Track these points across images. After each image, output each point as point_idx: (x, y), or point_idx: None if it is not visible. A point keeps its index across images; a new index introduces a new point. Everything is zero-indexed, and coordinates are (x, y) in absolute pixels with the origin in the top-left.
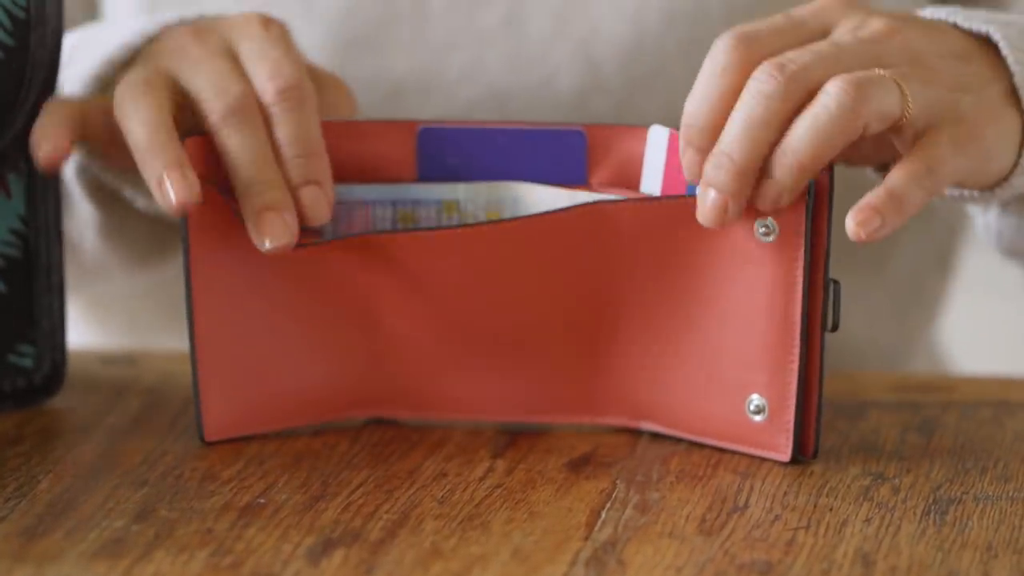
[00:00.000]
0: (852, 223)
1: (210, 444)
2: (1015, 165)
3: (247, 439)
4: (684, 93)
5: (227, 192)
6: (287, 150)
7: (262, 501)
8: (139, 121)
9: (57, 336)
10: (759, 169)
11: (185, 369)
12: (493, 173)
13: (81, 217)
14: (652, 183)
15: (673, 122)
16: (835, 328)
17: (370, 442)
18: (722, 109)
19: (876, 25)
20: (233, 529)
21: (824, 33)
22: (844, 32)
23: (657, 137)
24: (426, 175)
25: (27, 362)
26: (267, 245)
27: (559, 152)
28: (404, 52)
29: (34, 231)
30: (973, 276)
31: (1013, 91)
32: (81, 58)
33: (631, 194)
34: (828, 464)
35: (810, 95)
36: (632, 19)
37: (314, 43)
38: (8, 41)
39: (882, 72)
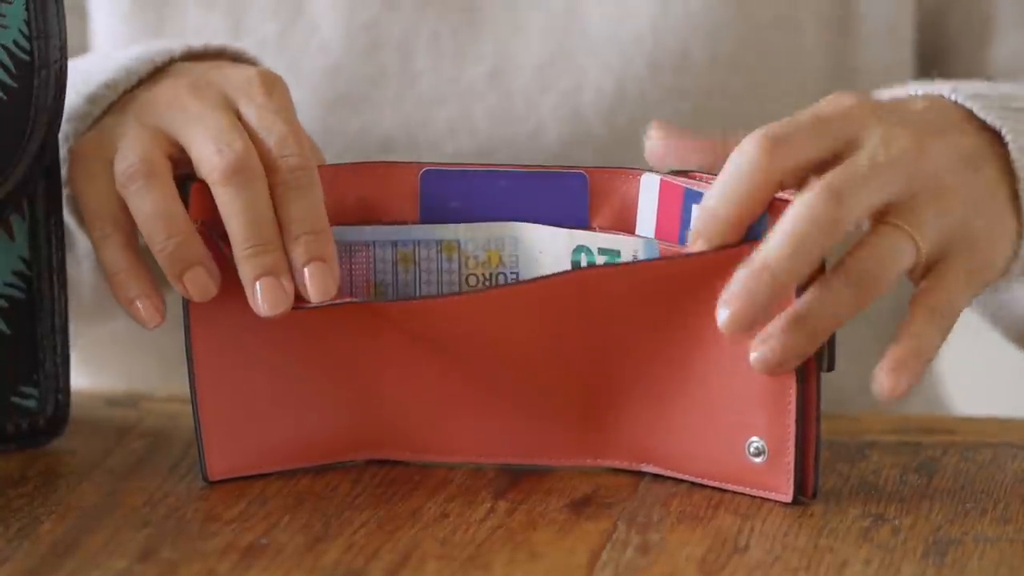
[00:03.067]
0: (886, 388)
1: (212, 484)
2: (1011, 261)
3: (249, 480)
4: None
5: (227, 239)
6: (296, 227)
7: (264, 541)
8: (151, 218)
9: (60, 377)
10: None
11: (187, 411)
12: (495, 216)
13: (78, 249)
14: (647, 227)
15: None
16: (831, 368)
17: (372, 483)
18: (748, 210)
19: (903, 143)
20: (235, 570)
21: (849, 141)
22: (876, 148)
23: (649, 183)
24: (428, 217)
25: (31, 403)
26: (264, 312)
27: (561, 195)
28: (391, 108)
29: (37, 273)
30: (968, 316)
31: (1015, 196)
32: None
33: (629, 236)
34: (828, 505)
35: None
36: (616, 70)
37: (301, 101)
38: (11, 83)
39: (899, 225)
